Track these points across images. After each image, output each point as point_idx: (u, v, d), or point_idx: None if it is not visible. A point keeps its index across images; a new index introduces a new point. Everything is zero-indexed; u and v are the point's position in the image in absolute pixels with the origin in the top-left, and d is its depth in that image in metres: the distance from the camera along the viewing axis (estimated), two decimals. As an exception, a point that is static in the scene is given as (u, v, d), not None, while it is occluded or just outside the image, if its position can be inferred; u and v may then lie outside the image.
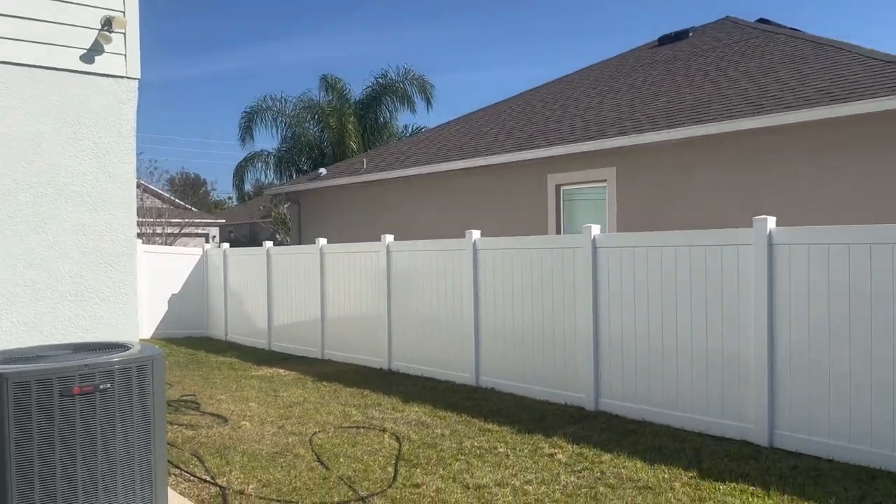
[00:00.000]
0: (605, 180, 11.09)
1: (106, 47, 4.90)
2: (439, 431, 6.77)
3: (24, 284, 4.68)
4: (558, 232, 11.61)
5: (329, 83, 26.42)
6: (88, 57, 4.85)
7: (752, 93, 10.07)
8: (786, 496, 4.94)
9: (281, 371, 10.31)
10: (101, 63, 4.93)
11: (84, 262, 4.95)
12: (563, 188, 11.82)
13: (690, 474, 5.43)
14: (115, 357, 4.05)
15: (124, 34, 5.00)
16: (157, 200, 29.95)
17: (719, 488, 5.12)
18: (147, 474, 4.22)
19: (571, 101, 14.22)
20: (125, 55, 5.05)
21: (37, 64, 4.70)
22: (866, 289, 5.62)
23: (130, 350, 4.23)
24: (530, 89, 17.04)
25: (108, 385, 3.97)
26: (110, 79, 4.99)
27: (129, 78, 5.09)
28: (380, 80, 26.72)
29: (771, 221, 6.25)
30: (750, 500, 4.89)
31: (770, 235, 6.21)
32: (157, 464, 4.27)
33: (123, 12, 4.96)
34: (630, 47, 16.59)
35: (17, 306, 4.66)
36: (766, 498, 4.92)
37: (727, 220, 8.76)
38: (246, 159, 26.90)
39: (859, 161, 8.56)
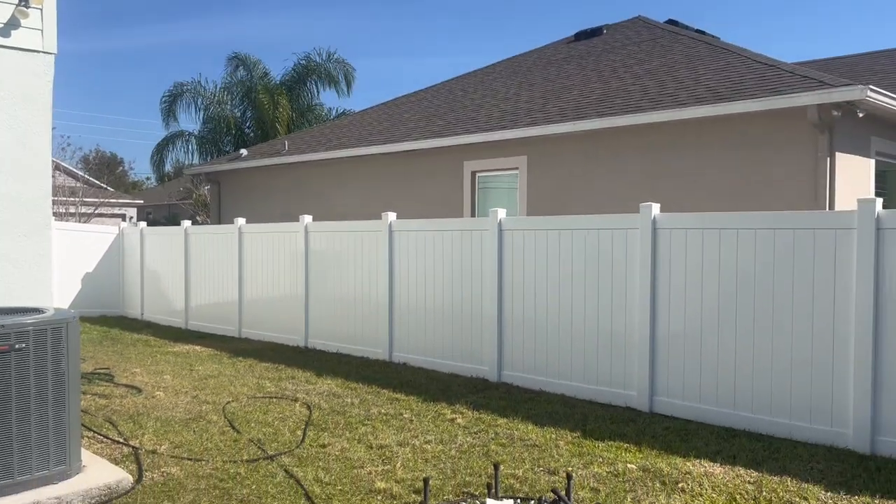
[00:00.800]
0: (517, 168, 11.65)
1: (23, 22, 5.04)
2: (349, 401, 7.15)
3: (-64, 251, 4.80)
4: (473, 216, 12.11)
5: (241, 61, 26.19)
6: (5, 31, 4.98)
7: (653, 90, 10.79)
8: (654, 451, 5.56)
9: (197, 348, 10.46)
10: (17, 37, 5.06)
11: (-2, 231, 5.09)
12: (478, 175, 12.32)
13: (575, 434, 6.00)
14: (30, 319, 4.26)
15: (41, 10, 5.14)
16: (70, 179, 29.04)
17: (598, 445, 5.70)
18: (61, 432, 4.45)
19: (490, 91, 14.74)
20: (42, 30, 5.19)
21: (-48, 36, 4.81)
22: (733, 270, 6.29)
23: (45, 314, 4.44)
24: (453, 78, 17.46)
25: (24, 345, 4.18)
26: (27, 53, 5.13)
27: (45, 53, 5.23)
28: (303, 62, 26.69)
29: (655, 208, 6.86)
30: (624, 455, 5.48)
31: (654, 221, 6.82)
32: (70, 423, 4.51)
33: (41, -11, 5.10)
34: (550, 41, 17.24)
35: (-71, 272, 4.78)
36: (638, 452, 5.52)
37: (626, 208, 9.42)
38: (166, 139, 26.41)
39: (741, 154, 9.35)
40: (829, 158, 8.56)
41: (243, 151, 17.77)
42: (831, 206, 8.46)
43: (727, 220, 6.38)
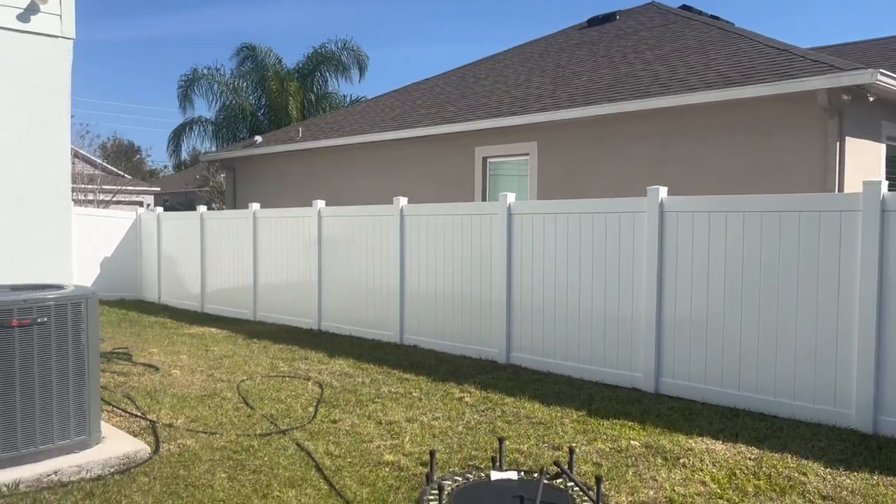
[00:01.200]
0: (527, 154, 11.72)
1: (42, 7, 5.18)
2: (360, 380, 7.30)
3: (-39, 230, 4.98)
4: (485, 202, 12.20)
5: (250, 51, 26.39)
6: (24, 16, 5.13)
7: (663, 75, 10.81)
8: (658, 429, 5.66)
9: (213, 330, 10.67)
10: (36, 22, 5.20)
11: (20, 213, 5.26)
12: (489, 160, 12.41)
13: (581, 413, 6.11)
14: (51, 294, 4.43)
15: (60, -4, 5.28)
16: (88, 166, 29.38)
17: (603, 423, 5.81)
18: (81, 404, 4.63)
19: (502, 77, 14.78)
20: (60, 15, 5.33)
21: (-26, 21, 4.96)
22: (739, 253, 6.35)
23: (65, 290, 4.61)
24: (466, 65, 17.51)
25: (45, 319, 4.35)
26: (46, 38, 5.27)
27: (64, 38, 5.38)
28: (319, 51, 26.84)
29: (663, 191, 6.93)
30: (628, 432, 5.59)
31: (661, 204, 6.89)
32: (90, 395, 4.69)
33: (59, -25, 5.24)
34: (563, 27, 17.25)
35: (-46, 251, 4.96)
36: (642, 430, 5.62)
37: (634, 193, 9.47)
38: (183, 124, 26.76)
39: (751, 139, 9.38)
40: (838, 143, 8.57)
41: (258, 138, 17.94)
42: (840, 190, 8.48)
43: (733, 202, 6.44)
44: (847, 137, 8.69)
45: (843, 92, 8.38)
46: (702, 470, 4.74)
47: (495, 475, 4.62)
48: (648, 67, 11.49)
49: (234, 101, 26.26)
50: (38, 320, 4.31)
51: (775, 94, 8.89)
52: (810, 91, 8.58)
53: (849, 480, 4.57)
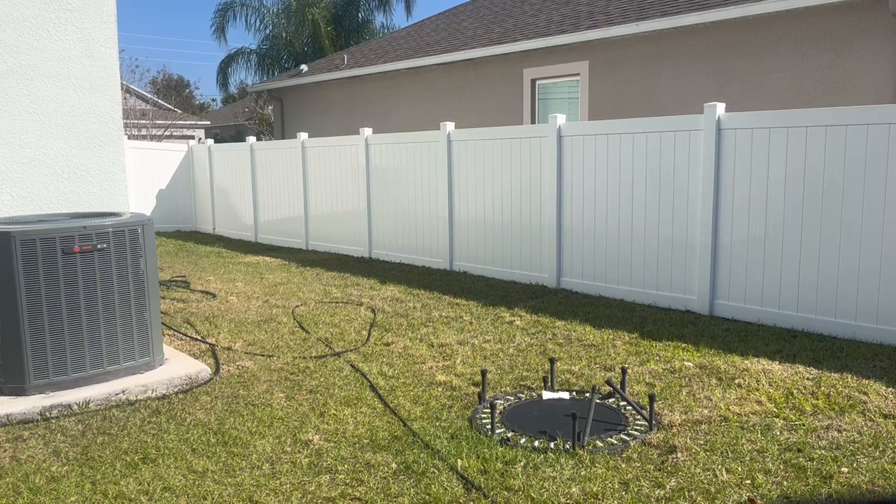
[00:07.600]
0: (578, 74, 11.36)
1: (82, -67, 5.12)
2: (412, 305, 7.38)
3: (20, 162, 5.10)
4: (533, 124, 11.94)
5: None
6: (66, -57, 5.08)
7: (721, -15, 10.24)
8: (712, 350, 5.59)
9: (267, 258, 10.87)
10: (78, -51, 5.15)
11: (74, 142, 5.35)
12: (538, 83, 12.08)
13: (633, 335, 6.07)
14: (109, 221, 4.53)
15: (99, -80, 5.21)
16: (140, 101, 29.74)
17: (655, 345, 5.76)
18: (143, 327, 4.78)
19: (551, -6, 14.24)
20: (101, -58, 5.27)
21: (18, -51, 4.94)
22: (801, 172, 6.09)
23: (122, 217, 4.70)
24: (512, -16, 16.91)
25: (105, 245, 4.46)
26: (88, -35, 5.23)
27: (106, -36, 5.33)
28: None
29: (720, 107, 6.64)
30: (681, 353, 5.54)
31: (719, 121, 6.62)
32: (152, 319, 4.83)
33: None
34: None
35: (14, 181, 5.10)
36: (695, 352, 5.57)
37: (691, 112, 9.14)
38: (230, 56, 26.78)
39: (814, 52, 8.88)
40: (912, 51, 8.05)
41: (303, 67, 17.83)
42: (912, 103, 8.01)
43: (795, 117, 6.14)
44: (922, 46, 8.16)
45: (920, -4, 7.82)
46: (757, 390, 4.68)
47: (547, 394, 4.65)
48: (706, -22, 10.89)
49: (276, 32, 26.05)
50: (98, 246, 4.43)
51: (843, 1, 8.35)
52: (883, -4, 8.03)
53: (912, 400, 4.46)
